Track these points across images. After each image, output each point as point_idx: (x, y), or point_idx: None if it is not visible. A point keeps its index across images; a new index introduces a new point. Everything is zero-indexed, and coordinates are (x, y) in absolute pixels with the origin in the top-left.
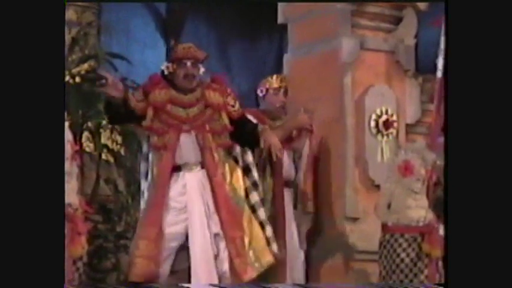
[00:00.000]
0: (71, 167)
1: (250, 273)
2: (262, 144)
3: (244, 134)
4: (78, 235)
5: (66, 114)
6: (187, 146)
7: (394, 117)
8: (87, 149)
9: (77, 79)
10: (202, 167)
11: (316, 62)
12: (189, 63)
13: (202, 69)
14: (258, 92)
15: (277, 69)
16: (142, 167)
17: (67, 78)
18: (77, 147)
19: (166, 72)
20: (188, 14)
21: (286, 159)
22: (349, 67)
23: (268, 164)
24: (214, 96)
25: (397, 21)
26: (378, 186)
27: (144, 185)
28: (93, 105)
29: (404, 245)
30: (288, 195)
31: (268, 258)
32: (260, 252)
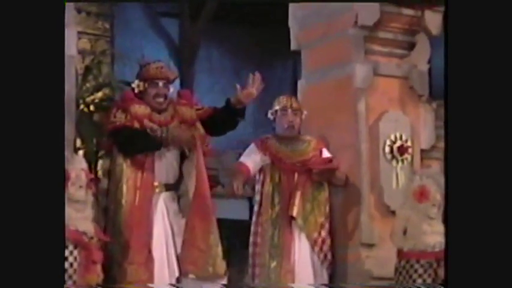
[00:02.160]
0: (86, 196)
1: (198, 268)
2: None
3: (225, 119)
4: (93, 263)
5: (80, 142)
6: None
7: (409, 143)
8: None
9: (91, 107)
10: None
11: (330, 88)
12: (160, 83)
13: (171, 89)
14: (269, 115)
15: (292, 95)
16: (102, 183)
17: (81, 106)
18: (92, 176)
19: (136, 91)
20: (201, 41)
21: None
22: (363, 93)
23: (277, 191)
24: (186, 111)
25: (410, 46)
26: (393, 212)
27: (103, 201)
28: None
29: (420, 270)
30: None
31: (220, 270)
32: (217, 259)
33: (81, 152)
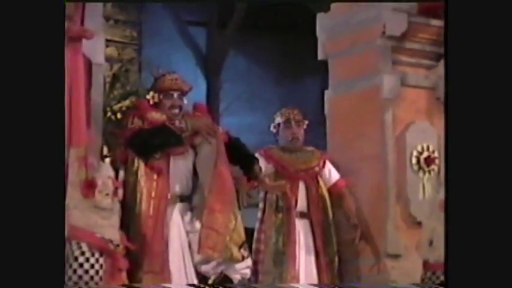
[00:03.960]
0: (112, 203)
1: (215, 252)
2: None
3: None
4: (119, 271)
5: (107, 150)
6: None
7: (436, 154)
8: None
9: (118, 115)
10: (183, 200)
11: (357, 99)
12: (175, 95)
13: (185, 101)
14: (272, 129)
15: (319, 105)
16: (120, 194)
17: (108, 114)
18: (118, 184)
19: (151, 102)
20: (228, 49)
21: (301, 191)
22: (390, 104)
23: (281, 198)
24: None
25: (438, 57)
26: (419, 223)
27: (120, 213)
28: None
29: None
30: (302, 226)
31: (236, 255)
32: (234, 244)
33: (107, 160)
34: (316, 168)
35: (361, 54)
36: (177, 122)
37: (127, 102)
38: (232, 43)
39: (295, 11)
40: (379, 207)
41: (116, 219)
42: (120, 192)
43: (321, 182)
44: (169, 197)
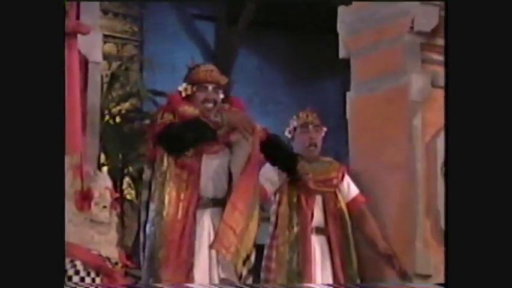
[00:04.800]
0: (110, 217)
1: (228, 253)
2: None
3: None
4: None
5: (105, 158)
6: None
7: None
8: (128, 197)
9: (117, 119)
10: (216, 205)
11: (382, 101)
12: (210, 88)
13: (221, 95)
14: (286, 133)
15: (340, 109)
16: (143, 195)
17: (106, 118)
18: (117, 195)
19: (183, 94)
20: (240, 47)
21: (318, 204)
22: (419, 106)
23: (295, 212)
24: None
25: None
26: None
27: (143, 216)
28: (134, 147)
29: None
30: (318, 243)
31: (239, 268)
32: (243, 253)
33: (105, 169)
34: (335, 181)
35: (387, 52)
36: (212, 116)
37: (127, 105)
38: (243, 40)
39: (313, 4)
40: (407, 223)
41: (113, 235)
42: (145, 193)
43: (339, 196)
44: (201, 199)
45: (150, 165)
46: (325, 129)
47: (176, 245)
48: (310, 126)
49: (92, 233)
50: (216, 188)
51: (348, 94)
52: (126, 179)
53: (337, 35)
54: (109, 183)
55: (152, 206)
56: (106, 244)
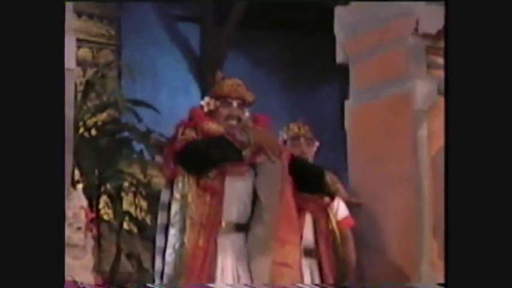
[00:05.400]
0: (85, 239)
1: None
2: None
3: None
4: None
5: (79, 174)
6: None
7: None
8: (106, 217)
9: (93, 131)
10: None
11: (384, 110)
12: (235, 104)
13: (247, 114)
14: None
15: (338, 119)
16: (161, 218)
17: (81, 130)
18: (93, 215)
19: (206, 109)
20: (227, 50)
21: (308, 223)
22: (425, 115)
23: None
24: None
25: None
26: None
27: (160, 240)
28: (112, 163)
29: None
30: (308, 266)
31: None
32: None
33: (80, 186)
34: (327, 198)
35: (389, 56)
36: (237, 135)
37: (104, 116)
38: (231, 43)
39: (307, 4)
40: (411, 242)
41: (89, 259)
42: (164, 216)
43: (331, 215)
44: (223, 224)
45: (169, 186)
46: (317, 143)
47: (197, 274)
48: (302, 139)
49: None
50: (240, 212)
51: (346, 102)
52: (103, 198)
53: (334, 37)
54: (84, 202)
55: (172, 231)
56: (81, 269)
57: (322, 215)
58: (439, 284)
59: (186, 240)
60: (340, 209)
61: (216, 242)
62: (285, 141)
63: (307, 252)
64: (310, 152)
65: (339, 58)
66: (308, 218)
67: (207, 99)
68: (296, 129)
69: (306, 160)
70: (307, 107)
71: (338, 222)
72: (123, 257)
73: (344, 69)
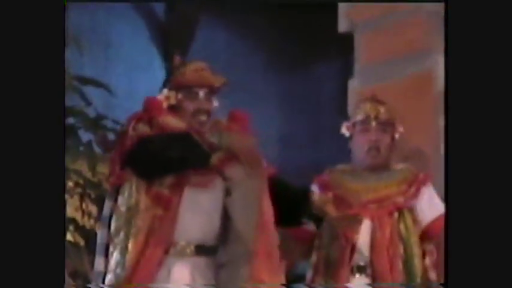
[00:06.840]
0: None
1: None
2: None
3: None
4: None
5: None
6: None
7: None
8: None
9: None
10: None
11: (397, 91)
12: (201, 93)
13: (216, 103)
14: (344, 130)
15: (339, 102)
16: (101, 236)
17: None
18: None
19: (165, 105)
20: (199, 19)
21: (365, 233)
22: None
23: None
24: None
25: None
26: None
27: (99, 264)
28: None
29: None
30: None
31: None
32: None
33: None
34: (400, 199)
35: (403, 25)
36: (207, 134)
37: None
38: (204, 9)
39: None
40: None
41: None
42: (104, 232)
43: (403, 223)
44: (177, 246)
45: (113, 195)
46: (401, 129)
47: None
48: (373, 123)
49: None
50: (203, 232)
51: (350, 82)
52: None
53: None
54: None
55: (114, 253)
56: None
57: (388, 221)
58: (439, 284)
59: (127, 264)
60: (432, 208)
61: (160, 266)
62: (354, 124)
63: (360, 269)
64: (384, 140)
65: (342, 27)
66: (366, 226)
67: (165, 92)
68: (368, 108)
69: (285, 182)
70: (301, 89)
71: (428, 226)
72: (66, 276)
73: (347, 41)
